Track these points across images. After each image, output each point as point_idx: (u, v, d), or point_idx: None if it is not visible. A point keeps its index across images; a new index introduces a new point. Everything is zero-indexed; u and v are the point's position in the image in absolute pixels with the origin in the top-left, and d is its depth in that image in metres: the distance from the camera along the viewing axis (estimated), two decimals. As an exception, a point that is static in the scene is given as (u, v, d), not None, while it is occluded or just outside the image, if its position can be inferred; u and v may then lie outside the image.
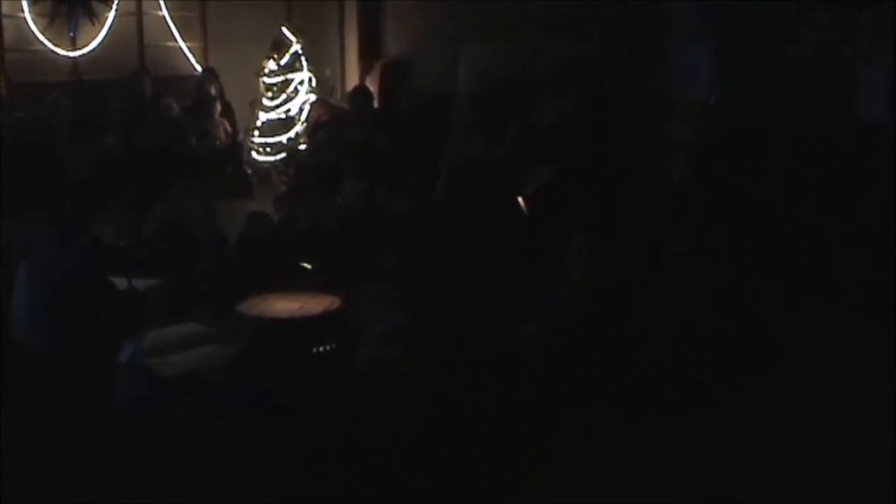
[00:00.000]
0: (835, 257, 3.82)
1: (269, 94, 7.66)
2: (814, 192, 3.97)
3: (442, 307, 4.02)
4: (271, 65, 7.60)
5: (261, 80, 7.69)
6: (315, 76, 7.78)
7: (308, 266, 4.80)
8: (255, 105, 7.75)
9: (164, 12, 7.69)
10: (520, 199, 4.67)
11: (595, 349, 3.57)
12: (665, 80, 4.91)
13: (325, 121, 7.15)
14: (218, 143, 7.34)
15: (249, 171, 7.52)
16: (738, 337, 3.56)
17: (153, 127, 6.97)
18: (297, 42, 7.64)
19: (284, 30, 7.61)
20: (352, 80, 8.08)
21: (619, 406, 3.38)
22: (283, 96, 7.63)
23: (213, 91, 7.46)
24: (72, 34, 7.39)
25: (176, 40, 7.80)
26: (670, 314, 3.62)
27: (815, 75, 4.04)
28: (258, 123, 7.71)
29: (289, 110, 7.65)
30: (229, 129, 7.49)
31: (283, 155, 7.57)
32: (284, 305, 4.16)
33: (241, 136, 7.68)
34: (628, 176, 4.48)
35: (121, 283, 4.28)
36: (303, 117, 7.64)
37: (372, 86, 7.40)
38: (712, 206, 4.00)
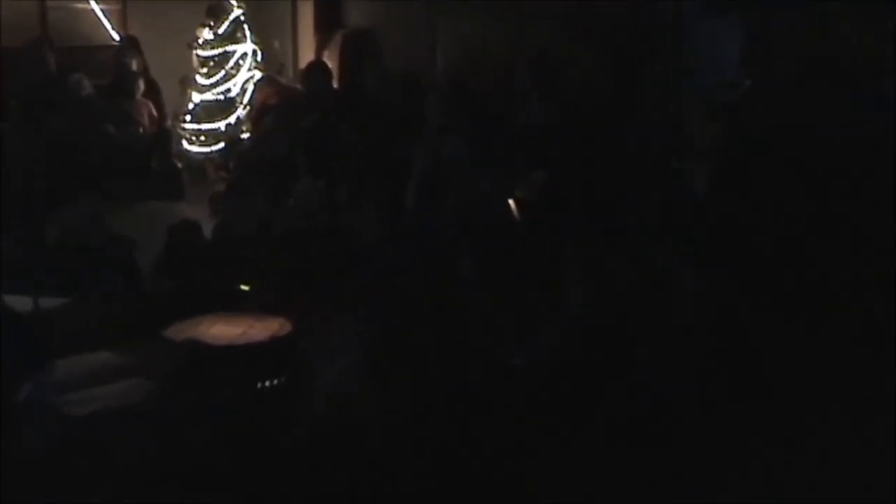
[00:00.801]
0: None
1: (205, 70, 7.83)
2: (866, 214, 3.90)
3: (415, 335, 4.20)
4: (207, 34, 7.76)
5: (194, 52, 7.86)
6: (261, 49, 7.97)
7: (249, 285, 4.95)
8: (187, 83, 7.92)
9: (72, -35, 7.85)
10: (511, 203, 4.86)
11: (593, 387, 3.77)
12: (677, 67, 5.05)
13: (272, 104, 7.29)
14: (141, 130, 7.45)
15: (179, 166, 7.63)
16: (768, 390, 3.66)
17: (59, 110, 7.02)
18: (239, 7, 7.81)
19: (224, -9, 7.77)
20: (306, 55, 8.18)
21: (615, 458, 3.55)
22: (222, 73, 7.81)
23: (133, 65, 7.57)
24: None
25: (87, 1, 7.94)
26: (683, 358, 3.75)
27: (859, 72, 4.12)
28: (190, 106, 7.88)
29: (228, 90, 7.84)
30: (154, 112, 7.59)
31: (220, 145, 7.73)
32: (222, 330, 4.27)
33: (169, 122, 7.81)
34: (636, 188, 4.63)
35: (19, 303, 4.40)
36: (245, 99, 7.81)
37: (330, 62, 7.45)
38: (739, 227, 4.08)
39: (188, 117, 7.88)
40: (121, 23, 8.09)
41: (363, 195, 5.52)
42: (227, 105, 7.80)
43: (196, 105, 7.89)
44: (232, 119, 7.77)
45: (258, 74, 7.89)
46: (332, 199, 5.70)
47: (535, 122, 5.26)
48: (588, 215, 4.58)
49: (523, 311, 4.32)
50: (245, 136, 7.62)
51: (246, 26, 7.84)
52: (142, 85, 7.57)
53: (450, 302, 4.53)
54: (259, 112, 7.37)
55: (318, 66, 7.15)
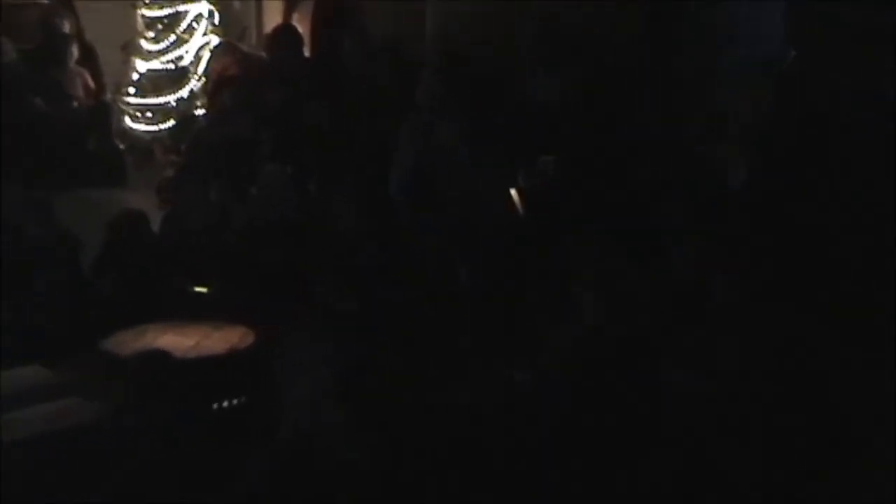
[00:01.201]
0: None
1: (151, 33, 7.72)
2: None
3: (401, 349, 4.18)
4: (154, -10, 7.65)
5: (138, 12, 7.72)
6: (218, 9, 7.86)
7: (204, 288, 4.95)
8: (130, 49, 7.80)
9: None
10: (513, 195, 4.82)
11: (606, 409, 3.70)
12: (711, 35, 4.99)
13: (232, 75, 7.20)
14: (75, 104, 7.35)
15: (121, 147, 7.56)
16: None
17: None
18: (193, -42, 7.75)
19: (174, -60, 7.67)
20: (272, 18, 8.06)
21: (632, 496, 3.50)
22: (172, 38, 7.70)
23: (66, 27, 7.45)
24: None
25: (11, -49, 7.80)
26: (715, 381, 3.65)
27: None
28: (134, 77, 7.77)
29: (180, 58, 7.73)
30: (91, 83, 7.51)
31: (170, 123, 7.63)
32: (172, 341, 4.31)
33: (108, 96, 7.71)
34: (660, 178, 4.55)
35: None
36: (200, 69, 7.71)
37: (301, 26, 7.30)
38: (782, 224, 3.98)
39: (132, 90, 7.76)
40: (51, -24, 7.95)
41: (340, 185, 5.47)
42: (178, 76, 7.70)
43: (141, 75, 7.77)
44: (184, 92, 7.67)
45: (215, 40, 7.78)
46: (303, 189, 5.65)
47: (542, 101, 5.18)
48: (603, 210, 4.51)
49: (526, 321, 4.30)
50: (200, 112, 7.54)
51: (201, -19, 7.74)
52: (75, 51, 7.43)
53: (442, 310, 4.52)
54: (216, 85, 7.26)
55: (286, 31, 7.08)
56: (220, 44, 7.72)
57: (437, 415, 3.93)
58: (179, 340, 4.32)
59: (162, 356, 4.05)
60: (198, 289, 4.95)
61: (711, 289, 3.93)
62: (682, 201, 4.38)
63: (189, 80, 7.73)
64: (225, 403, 4.15)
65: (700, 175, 4.46)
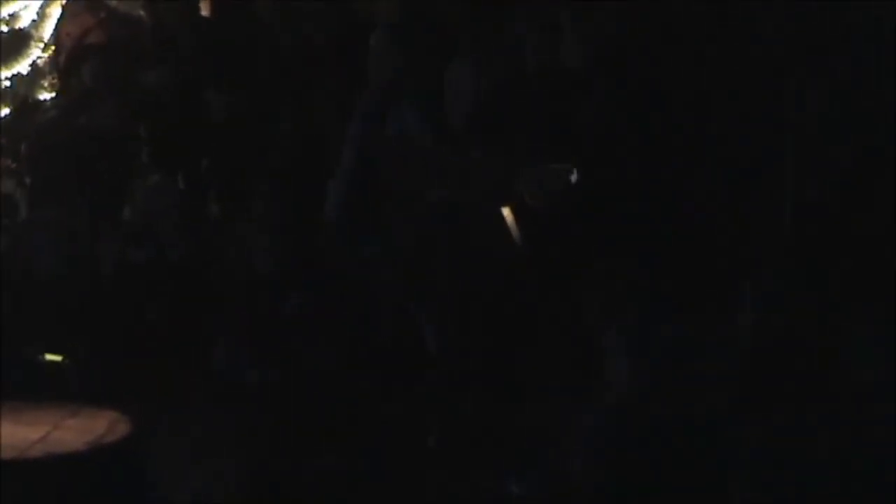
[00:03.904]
0: None
1: (-24, -18, 7.78)
2: None
3: (336, 455, 4.29)
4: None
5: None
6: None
7: (58, 354, 4.98)
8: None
9: None
10: (505, 213, 4.81)
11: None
12: None
13: (96, 43, 7.26)
14: None
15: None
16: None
17: None
18: None
19: None
20: None
21: None
22: (6, -11, 7.74)
23: None
24: None
25: None
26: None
27: None
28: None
29: (14, 17, 7.69)
30: None
31: (4, 112, 7.62)
32: (12, 433, 4.27)
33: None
34: (718, 193, 4.60)
35: None
36: (47, 33, 7.74)
37: None
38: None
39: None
40: None
41: (248, 199, 5.51)
42: (16, 44, 7.66)
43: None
44: (23, 67, 7.65)
45: (70, -8, 7.77)
46: (199, 212, 5.70)
47: (565, 68, 5.13)
48: (641, 241, 4.51)
49: (523, 405, 4.36)
50: (47, 96, 7.57)
51: None
52: None
53: (398, 390, 4.59)
54: (72, 57, 7.30)
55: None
56: (76, -2, 7.74)
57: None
58: (20, 431, 4.29)
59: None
60: (49, 357, 4.98)
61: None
62: (747, 225, 4.45)
63: (30, 50, 7.69)
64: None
65: (770, 189, 4.49)
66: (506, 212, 4.80)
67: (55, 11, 7.73)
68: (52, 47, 7.70)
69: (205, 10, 7.02)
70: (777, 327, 4.16)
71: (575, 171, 4.66)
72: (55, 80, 7.59)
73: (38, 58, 7.73)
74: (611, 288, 4.36)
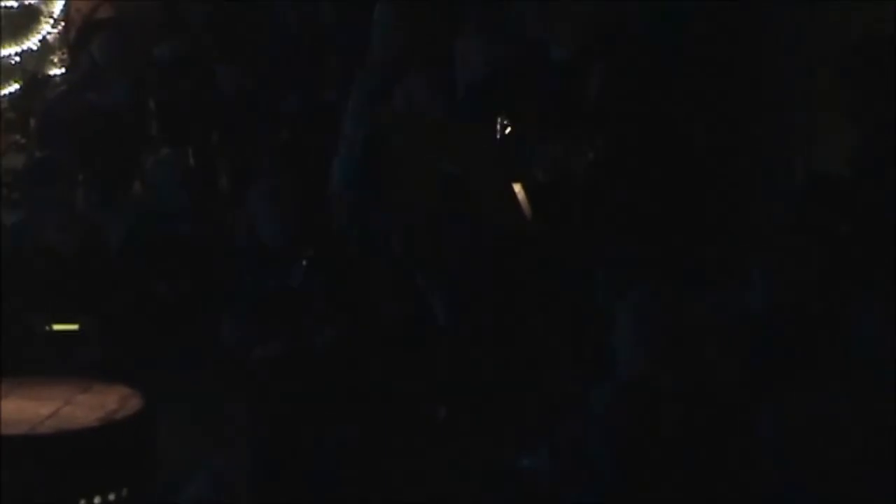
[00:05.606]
0: None
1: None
2: None
3: (344, 429, 4.29)
4: None
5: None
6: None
7: (67, 325, 4.96)
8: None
9: None
10: (518, 191, 4.80)
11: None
12: None
13: (105, 18, 7.26)
14: None
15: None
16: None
17: None
18: None
19: None
20: None
21: None
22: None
23: None
24: None
25: None
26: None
27: None
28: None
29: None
30: None
31: (13, 88, 7.58)
32: (21, 408, 4.26)
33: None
34: (730, 166, 4.65)
35: None
36: (56, 9, 7.67)
37: None
38: None
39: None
40: None
41: (256, 174, 5.52)
42: (26, 19, 7.60)
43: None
44: (32, 43, 7.62)
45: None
46: (208, 187, 5.70)
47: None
48: (652, 220, 4.54)
49: (533, 381, 4.38)
50: (56, 72, 7.54)
51: None
52: None
53: (407, 362, 4.58)
54: (82, 32, 7.28)
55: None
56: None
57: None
58: (31, 407, 4.25)
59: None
60: (59, 327, 4.95)
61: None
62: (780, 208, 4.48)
63: (39, 25, 7.67)
64: (96, 501, 4.06)
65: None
66: (517, 188, 4.83)
67: (63, -12, 7.77)
68: (62, 23, 7.68)
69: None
70: (787, 303, 4.15)
71: (588, 150, 4.70)
72: (64, 56, 7.58)
73: (48, 33, 7.70)
74: (622, 263, 4.37)
